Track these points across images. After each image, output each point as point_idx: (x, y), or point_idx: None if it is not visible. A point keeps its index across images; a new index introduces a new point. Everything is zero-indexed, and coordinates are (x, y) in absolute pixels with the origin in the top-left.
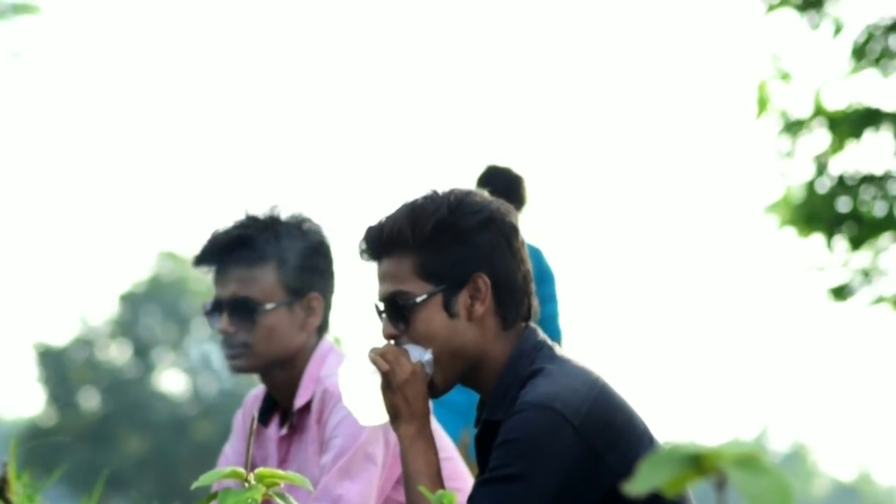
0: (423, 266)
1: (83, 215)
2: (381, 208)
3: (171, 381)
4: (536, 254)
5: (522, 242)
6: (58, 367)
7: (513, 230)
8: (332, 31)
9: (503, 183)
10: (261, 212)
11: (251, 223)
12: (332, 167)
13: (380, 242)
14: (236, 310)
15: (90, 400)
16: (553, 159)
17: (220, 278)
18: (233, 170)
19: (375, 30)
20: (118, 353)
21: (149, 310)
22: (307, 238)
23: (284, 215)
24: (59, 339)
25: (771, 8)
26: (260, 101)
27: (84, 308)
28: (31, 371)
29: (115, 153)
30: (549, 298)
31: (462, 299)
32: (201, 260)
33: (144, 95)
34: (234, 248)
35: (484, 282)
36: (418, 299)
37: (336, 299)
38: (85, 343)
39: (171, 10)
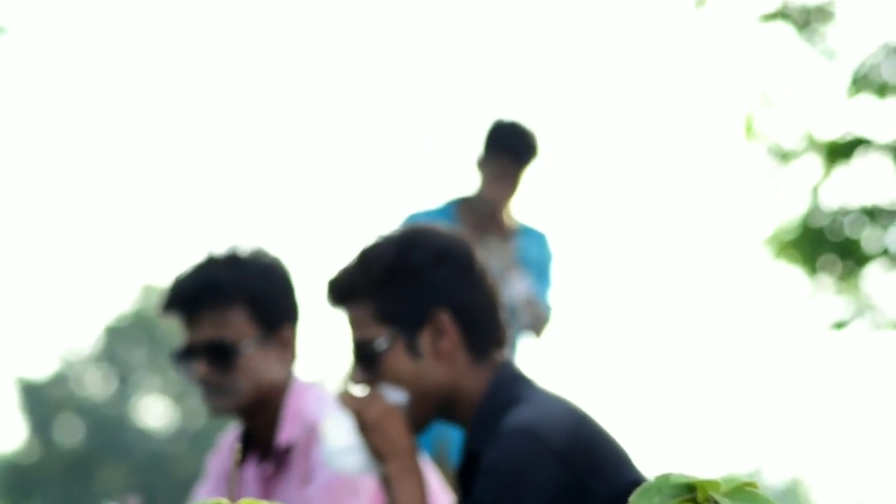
0: (380, 311)
1: (65, 248)
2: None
3: (155, 416)
4: (541, 239)
5: (483, 270)
6: (39, 402)
7: (470, 259)
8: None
9: (510, 137)
10: (219, 252)
11: (213, 264)
12: (312, 195)
13: (337, 293)
14: (214, 354)
15: (73, 435)
16: (535, 184)
17: (191, 324)
18: (214, 204)
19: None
20: (101, 388)
21: (132, 344)
22: (270, 271)
23: (243, 252)
24: (41, 373)
25: (765, 18)
26: (239, 132)
27: (67, 342)
28: (12, 406)
29: (95, 186)
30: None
31: (425, 338)
32: (169, 308)
33: (125, 127)
34: (202, 291)
35: (445, 317)
36: (379, 347)
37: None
38: (67, 377)
39: (142, 39)
